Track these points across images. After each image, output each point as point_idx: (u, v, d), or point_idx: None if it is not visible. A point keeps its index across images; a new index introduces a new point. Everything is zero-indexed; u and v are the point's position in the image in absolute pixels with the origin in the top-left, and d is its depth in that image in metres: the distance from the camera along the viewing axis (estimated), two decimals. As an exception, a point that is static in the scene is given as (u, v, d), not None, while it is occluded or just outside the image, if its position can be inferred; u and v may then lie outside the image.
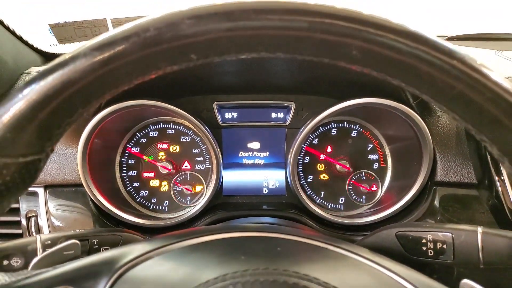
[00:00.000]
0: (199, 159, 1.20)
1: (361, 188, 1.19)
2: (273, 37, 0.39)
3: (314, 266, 0.49)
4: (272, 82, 1.15)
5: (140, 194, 1.19)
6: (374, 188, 1.20)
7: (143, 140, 1.19)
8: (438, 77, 0.38)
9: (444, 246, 0.69)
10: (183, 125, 1.19)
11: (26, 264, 0.65)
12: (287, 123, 1.20)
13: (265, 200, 1.23)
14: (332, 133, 1.21)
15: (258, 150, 1.23)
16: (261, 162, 1.24)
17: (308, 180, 1.21)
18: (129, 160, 1.18)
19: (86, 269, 0.48)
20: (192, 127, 1.17)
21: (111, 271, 0.46)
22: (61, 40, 1.47)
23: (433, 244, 0.70)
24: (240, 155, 1.23)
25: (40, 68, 1.33)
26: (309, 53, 0.40)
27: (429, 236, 0.70)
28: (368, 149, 1.21)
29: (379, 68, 0.40)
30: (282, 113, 1.21)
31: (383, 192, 1.20)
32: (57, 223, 1.00)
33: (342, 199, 1.21)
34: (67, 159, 1.04)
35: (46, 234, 0.70)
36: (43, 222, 0.99)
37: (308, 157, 1.21)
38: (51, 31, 1.45)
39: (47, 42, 1.53)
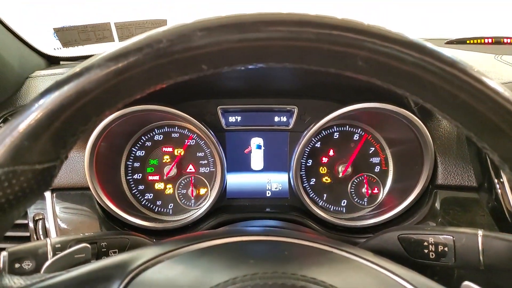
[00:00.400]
0: (203, 162, 1.21)
1: (363, 190, 1.20)
2: (281, 48, 0.40)
3: (320, 269, 0.50)
4: (275, 87, 1.17)
5: (145, 197, 1.20)
6: (375, 190, 1.21)
7: (148, 143, 1.20)
8: (441, 87, 0.39)
9: (446, 249, 0.70)
10: (188, 128, 1.21)
11: (37, 267, 0.66)
12: (290, 126, 1.22)
13: (268, 202, 1.25)
14: (335, 137, 1.22)
15: (261, 154, 1.25)
16: (264, 165, 1.25)
17: (311, 183, 1.23)
18: (135, 163, 1.20)
19: (99, 273, 0.49)
20: (196, 130, 1.18)
21: (123, 274, 0.47)
22: (65, 43, 1.48)
23: (434, 246, 0.71)
24: (243, 158, 1.25)
25: (45, 72, 1.35)
26: (316, 64, 0.41)
27: (431, 239, 0.72)
28: (370, 152, 1.22)
29: (384, 78, 0.41)
30: (285, 117, 1.23)
31: (384, 194, 1.21)
32: (64, 225, 1.01)
33: (344, 202, 1.22)
34: (74, 163, 1.06)
35: (56, 237, 0.72)
36: (50, 224, 1.00)
37: (311, 160, 1.23)
38: (55, 35, 1.46)
39: (51, 46, 1.54)
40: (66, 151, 0.43)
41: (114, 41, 1.41)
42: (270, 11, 0.40)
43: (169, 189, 1.21)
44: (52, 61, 1.57)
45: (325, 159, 1.23)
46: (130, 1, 2.03)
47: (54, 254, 0.67)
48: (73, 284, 0.46)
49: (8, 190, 0.38)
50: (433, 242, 0.72)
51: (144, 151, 1.20)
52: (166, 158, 1.20)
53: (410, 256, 0.74)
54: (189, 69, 0.40)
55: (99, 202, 1.05)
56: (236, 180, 1.25)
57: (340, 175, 1.20)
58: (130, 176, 1.19)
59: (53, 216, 1.02)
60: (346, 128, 1.22)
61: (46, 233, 1.00)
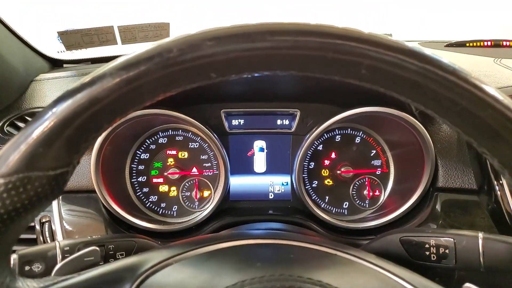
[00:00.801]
0: (206, 165, 1.23)
1: (365, 193, 1.22)
2: (287, 56, 0.41)
3: (326, 272, 0.51)
4: (278, 91, 1.18)
5: (150, 199, 1.21)
6: (377, 193, 1.23)
7: (153, 146, 1.21)
8: (442, 94, 0.41)
9: (447, 251, 0.71)
10: (192, 132, 1.22)
11: (47, 269, 0.67)
12: (293, 129, 1.23)
13: (271, 205, 1.26)
14: (336, 140, 1.24)
15: (264, 156, 1.26)
16: (267, 167, 1.26)
17: (313, 185, 1.24)
18: (139, 166, 1.21)
19: (109, 275, 0.50)
20: (200, 134, 1.19)
21: (134, 277, 0.49)
22: (69, 46, 1.49)
23: (435, 249, 0.72)
24: (246, 161, 1.26)
25: (49, 75, 1.36)
26: (320, 72, 0.43)
27: (432, 241, 0.73)
28: (371, 155, 1.23)
29: (386, 86, 0.42)
30: (287, 120, 1.24)
31: (386, 197, 1.22)
32: (70, 228, 1.02)
33: (346, 204, 1.24)
34: (80, 166, 1.07)
35: (64, 240, 0.73)
36: (56, 227, 1.01)
37: (313, 163, 1.24)
38: (59, 38, 1.47)
39: (54, 49, 1.55)
40: (79, 157, 0.44)
41: (117, 44, 1.42)
42: (276, 21, 0.42)
43: (173, 192, 1.22)
44: (56, 64, 1.58)
45: (327, 162, 1.24)
46: (132, 4, 2.04)
47: (63, 257, 0.68)
48: (84, 286, 0.48)
49: (23, 196, 0.39)
50: (434, 244, 0.73)
51: (148, 154, 1.21)
52: (170, 161, 1.22)
53: (412, 258, 0.75)
54: (198, 77, 0.42)
55: (105, 204, 1.06)
56: (239, 183, 1.26)
57: (342, 177, 1.21)
58: (135, 178, 1.21)
59: (59, 218, 1.03)
60: (347, 131, 1.24)
61: (52, 236, 1.01)
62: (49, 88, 1.30)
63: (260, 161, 1.26)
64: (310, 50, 0.40)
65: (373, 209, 1.23)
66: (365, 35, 0.40)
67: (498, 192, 0.96)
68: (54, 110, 0.40)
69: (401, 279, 0.51)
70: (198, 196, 1.21)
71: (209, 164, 1.23)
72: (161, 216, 1.21)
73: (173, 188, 1.22)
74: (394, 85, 0.42)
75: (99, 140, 1.03)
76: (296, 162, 1.15)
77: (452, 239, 0.71)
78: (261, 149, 1.26)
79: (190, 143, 1.22)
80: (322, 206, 1.23)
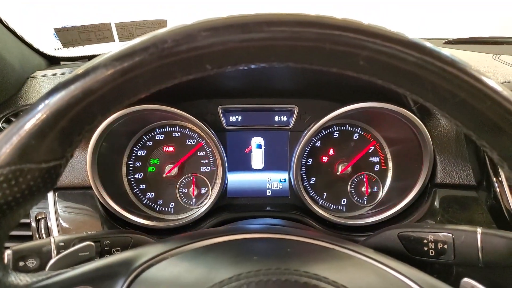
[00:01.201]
0: (204, 161, 1.22)
1: (363, 189, 1.21)
2: (284, 48, 0.40)
3: (323, 266, 0.51)
4: (276, 87, 1.17)
5: (147, 196, 1.21)
6: (375, 189, 1.22)
7: (150, 143, 1.21)
8: (441, 86, 0.40)
9: (445, 246, 0.71)
10: (189, 128, 1.21)
11: (41, 265, 0.66)
12: (290, 126, 1.23)
13: (268, 201, 1.26)
14: (334, 136, 1.23)
15: (262, 153, 1.26)
16: (265, 164, 1.26)
17: (311, 182, 1.24)
18: (136, 163, 1.20)
19: (104, 270, 0.50)
20: (197, 130, 1.19)
21: (128, 271, 0.48)
22: (66, 43, 1.48)
23: (434, 244, 0.72)
24: (244, 158, 1.25)
25: (46, 72, 1.35)
26: (318, 63, 0.42)
27: (430, 237, 0.73)
28: (370, 151, 1.23)
29: (385, 78, 0.42)
30: (285, 116, 1.23)
31: (384, 193, 1.22)
32: (66, 225, 1.01)
33: (344, 201, 1.23)
34: (76, 162, 1.07)
35: (59, 236, 0.72)
36: (52, 224, 1.01)
37: (311, 159, 1.23)
38: (56, 35, 1.46)
39: (51, 46, 1.55)
40: (72, 150, 0.43)
41: (114, 41, 1.41)
42: (273, 11, 0.41)
43: (170, 188, 1.21)
44: (53, 61, 1.57)
45: (325, 158, 1.23)
46: (130, 1, 2.03)
47: (58, 252, 0.68)
48: (78, 281, 0.47)
49: (15, 189, 0.39)
50: (432, 240, 0.72)
51: (145, 151, 1.21)
52: (167, 157, 1.21)
53: (410, 254, 0.75)
54: (193, 69, 0.41)
55: (101, 201, 1.06)
56: (236, 179, 1.25)
57: (340, 174, 1.21)
58: (131, 175, 1.20)
59: (55, 215, 1.02)
60: (345, 128, 1.23)
61: (48, 232, 1.01)
62: (45, 85, 1.29)
63: (257, 158, 1.26)
64: (308, 41, 0.40)
65: (371, 205, 1.22)
66: (363, 26, 0.39)
67: (497, 188, 0.95)
68: (47, 101, 0.39)
69: (398, 273, 0.51)
70: (195, 193, 1.20)
71: (207, 161, 1.22)
72: (158, 213, 1.20)
73: (170, 185, 1.21)
74: (392, 77, 0.41)
75: (95, 136, 1.03)
76: (294, 158, 1.14)
77: (450, 235, 0.71)
78: (259, 146, 1.25)
79: (187, 140, 1.22)
80: (320, 202, 1.23)
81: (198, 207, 1.17)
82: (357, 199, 1.23)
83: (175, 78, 0.42)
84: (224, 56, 0.40)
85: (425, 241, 0.73)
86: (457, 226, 0.72)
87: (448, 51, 0.40)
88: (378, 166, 1.23)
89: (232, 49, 0.40)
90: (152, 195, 1.21)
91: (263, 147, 1.25)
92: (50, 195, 1.05)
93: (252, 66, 0.43)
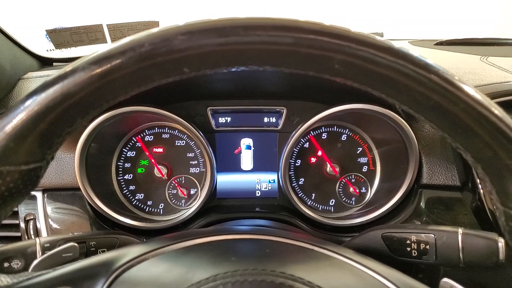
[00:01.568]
0: (193, 162, 1.22)
1: (351, 190, 1.22)
2: (261, 51, 0.41)
3: (300, 266, 0.52)
4: (264, 88, 1.18)
5: (136, 197, 1.21)
6: (363, 190, 1.23)
7: (139, 144, 1.21)
8: (415, 89, 0.41)
9: (427, 247, 0.72)
10: (178, 129, 1.22)
11: (26, 266, 0.67)
12: (279, 127, 1.23)
13: (257, 202, 1.26)
14: (323, 137, 1.24)
15: (251, 154, 1.26)
16: (254, 165, 1.27)
17: (300, 182, 1.24)
18: (125, 164, 1.21)
19: (84, 271, 0.50)
20: (186, 131, 1.19)
21: (108, 272, 0.49)
22: (58, 45, 1.48)
23: (416, 245, 0.73)
24: (233, 159, 1.26)
25: (37, 73, 1.35)
26: (295, 67, 0.43)
27: (413, 237, 0.73)
28: (358, 152, 1.24)
29: (360, 81, 0.42)
30: (274, 117, 1.24)
31: (372, 194, 1.23)
32: (55, 226, 1.02)
33: (332, 201, 1.24)
34: (64, 164, 1.07)
35: (45, 237, 0.73)
36: (41, 225, 1.01)
37: (300, 160, 1.24)
38: (48, 36, 1.46)
39: (43, 47, 1.55)
40: (52, 152, 0.44)
41: (106, 42, 1.42)
42: (249, 16, 0.42)
43: (160, 189, 1.22)
44: (45, 63, 1.57)
45: (313, 159, 1.24)
46: (122, 3, 2.04)
47: (43, 253, 0.68)
48: (59, 282, 0.47)
49: (-6, 190, 0.39)
50: (415, 240, 0.73)
51: (135, 152, 1.21)
52: (157, 158, 1.21)
53: (393, 254, 0.76)
54: (171, 72, 0.42)
55: (90, 202, 1.06)
56: (226, 180, 1.26)
57: (328, 175, 1.22)
58: (121, 176, 1.20)
59: (44, 216, 1.02)
60: (334, 129, 1.24)
61: (37, 233, 1.01)
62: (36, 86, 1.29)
63: (247, 159, 1.26)
64: (283, 45, 0.40)
65: (359, 206, 1.23)
66: (336, 30, 0.40)
67: (481, 190, 0.96)
68: (26, 104, 0.40)
69: (376, 273, 0.52)
70: (184, 194, 1.20)
71: (196, 162, 1.22)
72: (147, 214, 1.21)
73: (160, 185, 1.22)
74: (368, 80, 0.42)
75: (83, 137, 1.03)
76: (282, 159, 1.15)
77: (432, 235, 0.72)
78: (248, 147, 1.26)
79: (176, 141, 1.22)
80: (309, 203, 1.24)
81: (187, 208, 1.17)
82: (345, 200, 1.23)
83: (154, 81, 0.42)
84: (202, 60, 0.41)
85: (408, 241, 0.74)
86: (439, 227, 0.73)
87: (421, 54, 0.41)
88: (366, 167, 1.23)
89: (209, 52, 0.40)
90: (141, 196, 1.21)
91: (252, 148, 1.26)
92: (39, 196, 1.05)
93: (232, 70, 0.43)
